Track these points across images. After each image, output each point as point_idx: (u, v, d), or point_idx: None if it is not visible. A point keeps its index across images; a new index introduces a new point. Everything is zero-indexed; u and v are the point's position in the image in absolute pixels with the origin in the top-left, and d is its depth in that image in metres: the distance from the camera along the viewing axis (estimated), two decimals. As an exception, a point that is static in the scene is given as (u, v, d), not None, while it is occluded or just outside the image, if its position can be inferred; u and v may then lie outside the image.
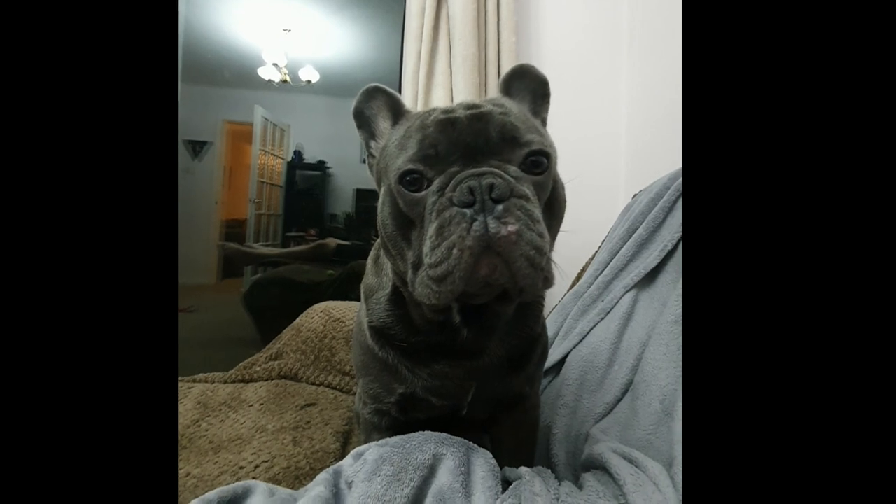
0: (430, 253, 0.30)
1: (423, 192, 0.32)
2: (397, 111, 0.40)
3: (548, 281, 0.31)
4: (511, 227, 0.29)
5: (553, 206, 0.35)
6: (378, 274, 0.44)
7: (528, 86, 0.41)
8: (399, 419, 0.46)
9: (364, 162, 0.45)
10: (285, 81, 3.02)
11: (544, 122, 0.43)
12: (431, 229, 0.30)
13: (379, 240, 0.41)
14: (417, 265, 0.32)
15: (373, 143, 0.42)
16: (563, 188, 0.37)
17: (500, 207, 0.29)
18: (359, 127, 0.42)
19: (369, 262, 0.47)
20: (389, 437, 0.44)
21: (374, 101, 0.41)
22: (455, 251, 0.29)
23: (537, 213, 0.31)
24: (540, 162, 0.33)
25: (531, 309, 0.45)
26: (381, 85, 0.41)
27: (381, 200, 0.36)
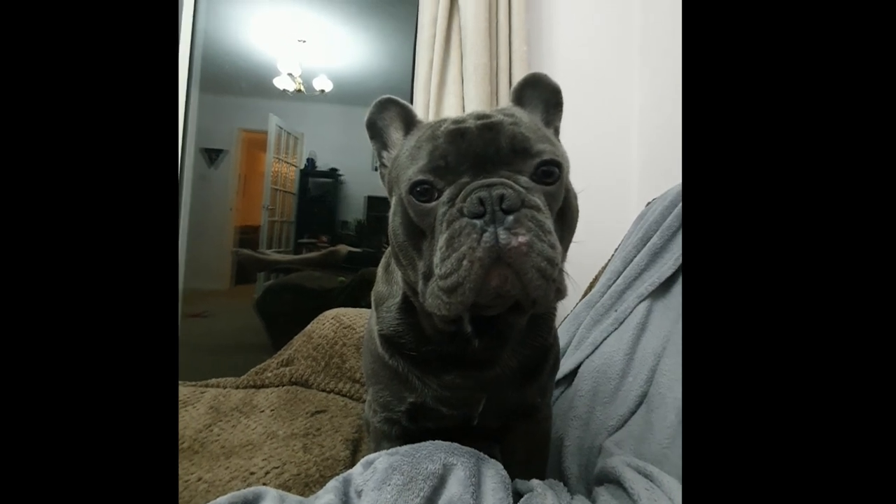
0: (440, 264, 0.30)
1: (433, 203, 0.32)
2: (409, 122, 0.41)
3: (560, 292, 0.31)
4: (522, 238, 0.29)
5: (565, 217, 0.34)
6: (389, 282, 0.45)
7: (541, 95, 0.41)
8: (409, 428, 0.46)
9: (376, 170, 0.46)
10: (299, 91, 3.09)
11: (557, 131, 0.42)
12: (442, 240, 0.30)
13: (389, 248, 0.41)
14: (428, 275, 0.32)
15: (385, 154, 0.42)
16: (575, 198, 0.37)
17: (510, 218, 0.29)
18: (371, 138, 0.42)
19: (380, 270, 0.48)
20: (400, 445, 0.44)
21: (387, 112, 0.42)
22: (465, 262, 0.29)
23: (549, 223, 0.30)
24: (551, 172, 0.33)
25: (543, 319, 0.44)
26: (393, 97, 0.41)
27: (392, 210, 0.37)
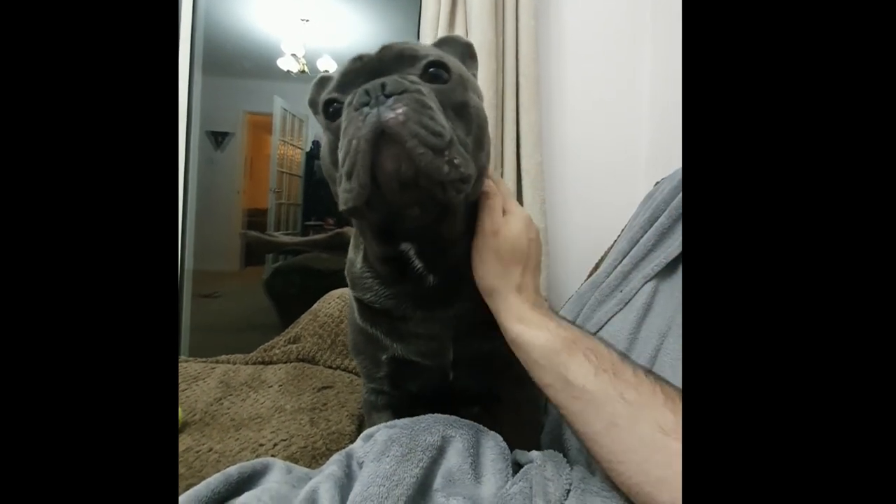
0: (343, 157, 0.32)
1: (340, 118, 0.34)
2: None
3: (457, 168, 0.32)
4: (399, 110, 0.30)
5: (464, 115, 0.36)
6: (356, 246, 0.47)
7: (456, 49, 0.44)
8: (394, 395, 0.47)
9: None
10: (303, 72, 3.04)
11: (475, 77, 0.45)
12: (342, 138, 0.32)
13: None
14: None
15: None
16: (479, 108, 0.39)
17: (391, 99, 0.31)
18: (315, 114, 0.44)
19: (352, 241, 0.50)
20: (388, 415, 0.46)
21: (324, 89, 0.44)
22: (353, 142, 0.31)
23: (431, 103, 0.32)
24: (440, 74, 0.36)
25: None
26: (326, 75, 0.44)
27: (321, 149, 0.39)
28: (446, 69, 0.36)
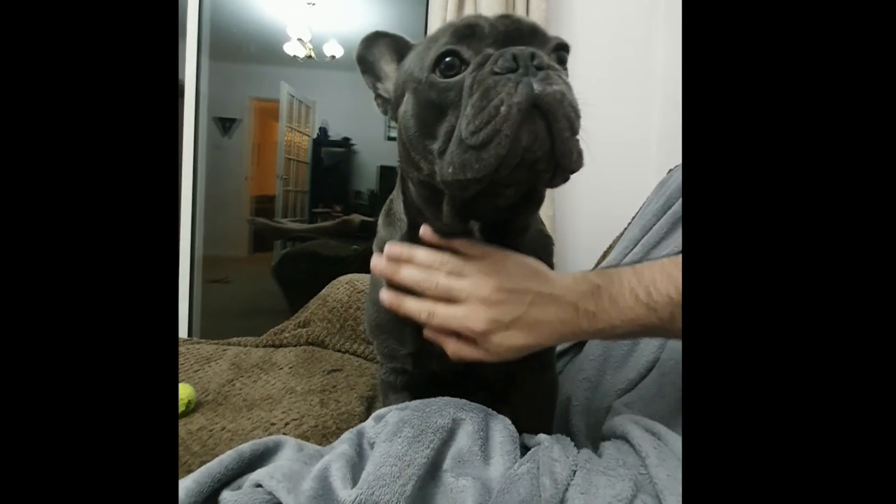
0: (472, 120, 0.30)
1: (459, 76, 0.32)
2: (402, 49, 0.41)
3: (581, 156, 0.32)
4: (556, 87, 0.29)
5: None
6: (390, 224, 0.45)
7: None
8: (414, 375, 0.47)
9: (389, 139, 0.46)
10: (310, 57, 3.01)
11: None
12: (473, 99, 0.30)
13: (400, 164, 0.42)
14: (444, 151, 0.32)
15: (379, 86, 0.43)
16: None
17: (542, 72, 0.29)
18: (363, 73, 0.42)
19: (380, 220, 0.48)
20: (406, 396, 0.45)
21: (376, 47, 0.42)
22: (503, 108, 0.28)
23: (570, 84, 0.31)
24: (563, 58, 0.35)
25: (543, 245, 0.46)
26: (382, 30, 0.41)
27: (402, 111, 0.37)
28: (567, 52, 0.34)
